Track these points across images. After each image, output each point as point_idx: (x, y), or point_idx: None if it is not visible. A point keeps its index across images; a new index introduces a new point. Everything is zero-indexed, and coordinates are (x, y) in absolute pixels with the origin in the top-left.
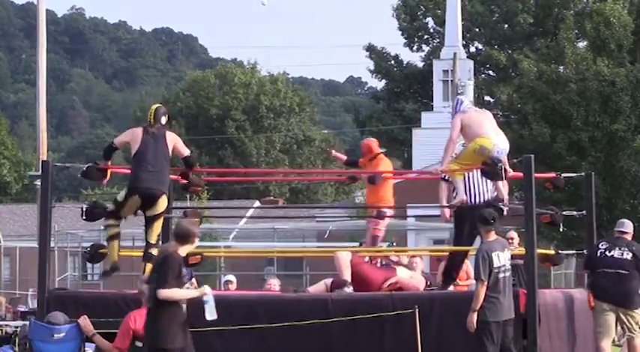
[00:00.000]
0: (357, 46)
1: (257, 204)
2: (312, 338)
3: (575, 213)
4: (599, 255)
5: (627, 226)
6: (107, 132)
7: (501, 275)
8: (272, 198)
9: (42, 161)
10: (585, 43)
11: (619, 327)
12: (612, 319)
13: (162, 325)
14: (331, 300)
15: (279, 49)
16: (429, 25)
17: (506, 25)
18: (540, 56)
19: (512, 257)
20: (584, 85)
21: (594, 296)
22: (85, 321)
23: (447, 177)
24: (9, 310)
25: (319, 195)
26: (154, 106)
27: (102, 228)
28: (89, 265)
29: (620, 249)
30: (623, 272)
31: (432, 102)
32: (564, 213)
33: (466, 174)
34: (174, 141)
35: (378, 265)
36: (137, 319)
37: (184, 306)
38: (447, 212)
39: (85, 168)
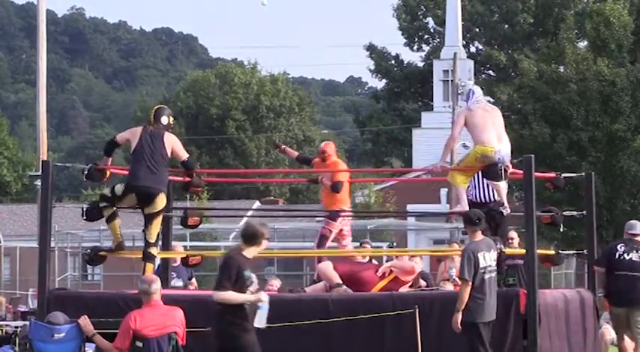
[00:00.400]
0: (357, 46)
1: (257, 204)
2: (312, 338)
3: (575, 213)
4: (618, 257)
5: (639, 228)
6: (107, 132)
7: (487, 275)
8: (272, 198)
9: (42, 161)
10: (585, 43)
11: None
12: (626, 320)
13: (224, 325)
14: (331, 300)
15: (279, 49)
16: (429, 25)
17: (506, 25)
18: (540, 56)
19: (513, 257)
20: (585, 85)
21: (610, 300)
22: (85, 321)
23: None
24: (9, 310)
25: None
26: (156, 106)
27: (105, 222)
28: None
29: (636, 251)
30: (638, 275)
31: (432, 102)
32: (564, 213)
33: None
34: (172, 143)
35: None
36: (137, 319)
37: (248, 307)
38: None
39: (86, 171)
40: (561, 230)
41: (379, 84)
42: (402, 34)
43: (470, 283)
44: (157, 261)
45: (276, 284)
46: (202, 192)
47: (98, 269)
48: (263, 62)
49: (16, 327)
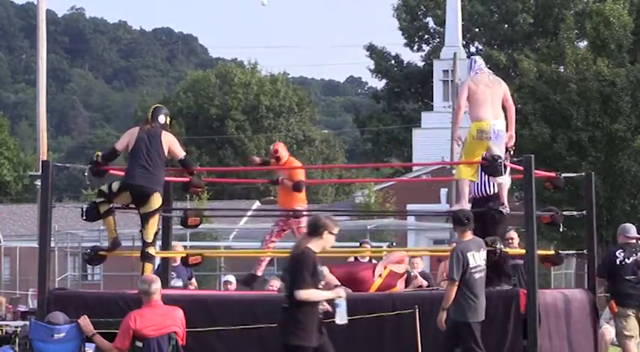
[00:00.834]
0: (357, 46)
1: (257, 204)
2: None
3: (575, 213)
4: (619, 263)
5: (635, 231)
6: (107, 132)
7: (477, 275)
8: (272, 198)
9: (42, 161)
10: (585, 43)
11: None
12: (636, 322)
13: (299, 323)
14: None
15: (279, 49)
16: (429, 25)
17: (506, 25)
18: (540, 56)
19: (513, 257)
20: (584, 85)
21: (617, 303)
22: (85, 321)
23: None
24: (9, 310)
25: (319, 196)
26: (154, 106)
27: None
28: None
29: (636, 254)
30: None
31: (432, 102)
32: (564, 213)
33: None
34: (169, 142)
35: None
36: (137, 319)
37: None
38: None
39: (90, 169)
40: (561, 230)
41: (379, 84)
42: (402, 34)
43: (457, 283)
44: (157, 261)
45: (276, 284)
46: (202, 192)
47: (98, 269)
48: (263, 62)
49: (16, 327)
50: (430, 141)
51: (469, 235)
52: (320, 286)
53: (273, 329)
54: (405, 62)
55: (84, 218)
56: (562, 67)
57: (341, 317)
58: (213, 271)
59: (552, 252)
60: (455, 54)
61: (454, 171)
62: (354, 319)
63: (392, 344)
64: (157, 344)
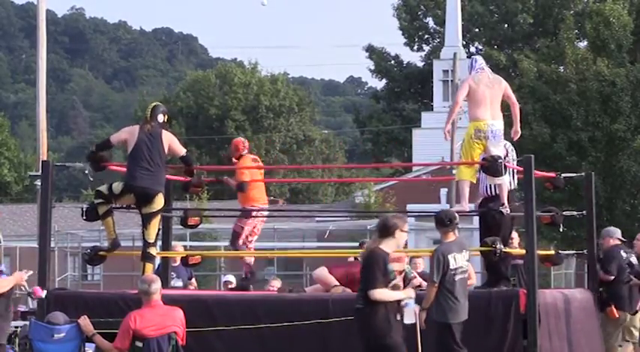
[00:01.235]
0: (357, 46)
1: None
2: (312, 339)
3: (575, 213)
4: (625, 264)
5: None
6: (107, 132)
7: (458, 276)
8: (272, 198)
9: (42, 161)
10: (585, 43)
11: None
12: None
13: (379, 322)
14: (331, 300)
15: (279, 49)
16: (429, 25)
17: (506, 25)
18: (540, 56)
19: (513, 257)
20: (584, 85)
21: (617, 307)
22: (85, 321)
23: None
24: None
25: (319, 196)
26: (152, 104)
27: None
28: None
29: (632, 254)
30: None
31: (432, 102)
32: (564, 213)
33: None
34: (169, 140)
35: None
36: (137, 319)
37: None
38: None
39: (90, 164)
40: (561, 230)
41: (379, 84)
42: (402, 34)
43: (437, 284)
44: (157, 261)
45: (276, 284)
46: (202, 192)
47: (98, 269)
48: (263, 62)
49: (16, 327)
50: (430, 141)
51: (452, 236)
52: (390, 286)
53: (274, 329)
54: (404, 62)
55: (84, 218)
56: (562, 67)
57: (409, 317)
58: (213, 271)
59: (552, 252)
60: (455, 54)
61: (454, 171)
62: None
63: None
64: (157, 344)
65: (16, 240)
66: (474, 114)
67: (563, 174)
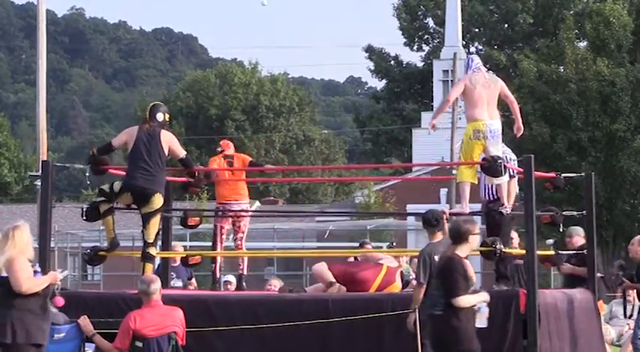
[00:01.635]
0: (357, 46)
1: (257, 204)
2: (312, 339)
3: (575, 213)
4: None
5: None
6: (107, 132)
7: None
8: (272, 198)
9: (42, 161)
10: (585, 43)
11: (619, 328)
12: None
13: (462, 328)
14: (331, 300)
15: (279, 49)
16: (429, 25)
17: (506, 25)
18: (540, 56)
19: (513, 257)
20: (584, 85)
21: None
22: (85, 321)
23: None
24: None
25: (319, 196)
26: (151, 103)
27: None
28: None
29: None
30: None
31: (432, 102)
32: (564, 213)
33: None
34: (169, 142)
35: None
36: (137, 319)
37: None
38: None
39: (90, 168)
40: (561, 230)
41: (379, 84)
42: (402, 34)
43: (424, 285)
44: (157, 261)
45: (276, 284)
46: (202, 192)
47: (98, 269)
48: (263, 62)
49: None
50: (430, 141)
51: (439, 236)
52: (470, 291)
53: (274, 329)
54: (404, 62)
55: (84, 218)
56: (562, 67)
57: (481, 321)
58: (213, 271)
59: (552, 252)
60: (455, 54)
61: (454, 171)
62: (354, 319)
63: (392, 344)
64: (157, 345)
65: None
66: (471, 115)
67: (563, 174)
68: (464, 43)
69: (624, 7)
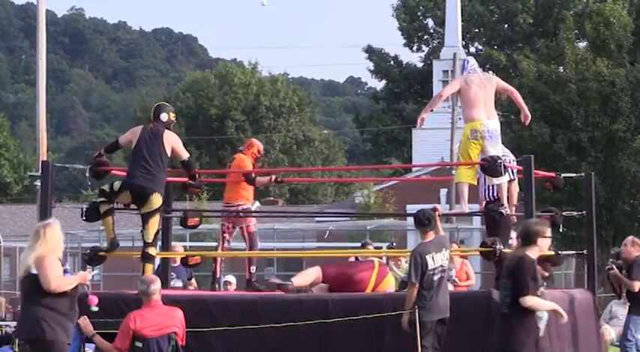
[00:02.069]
0: (357, 46)
1: (257, 204)
2: (312, 339)
3: (575, 213)
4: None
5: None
6: (107, 132)
7: (436, 276)
8: (272, 198)
9: (42, 161)
10: (585, 43)
11: (619, 328)
12: None
13: (525, 330)
14: (331, 300)
15: (279, 49)
16: (429, 25)
17: (506, 25)
18: (540, 56)
19: None
20: (584, 85)
21: None
22: (85, 321)
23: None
24: (9, 310)
25: (319, 196)
26: (157, 103)
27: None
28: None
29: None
30: None
31: None
32: (564, 213)
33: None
34: (172, 142)
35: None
36: (137, 319)
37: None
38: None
39: (90, 169)
40: (561, 230)
41: (379, 84)
42: (402, 35)
43: (417, 285)
44: (157, 262)
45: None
46: (202, 192)
47: (98, 269)
48: (263, 62)
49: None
50: (430, 142)
51: (431, 236)
52: (539, 293)
53: (274, 329)
54: (404, 63)
55: (84, 218)
56: (562, 67)
57: (542, 329)
58: (212, 272)
59: (552, 252)
60: (454, 54)
61: (454, 172)
62: (354, 319)
63: (392, 344)
64: (157, 345)
65: (16, 240)
66: (469, 115)
67: (563, 174)
68: (464, 43)
69: (624, 7)
